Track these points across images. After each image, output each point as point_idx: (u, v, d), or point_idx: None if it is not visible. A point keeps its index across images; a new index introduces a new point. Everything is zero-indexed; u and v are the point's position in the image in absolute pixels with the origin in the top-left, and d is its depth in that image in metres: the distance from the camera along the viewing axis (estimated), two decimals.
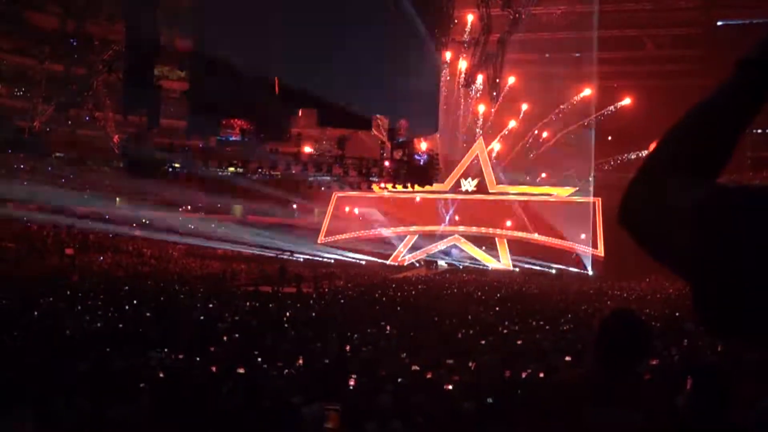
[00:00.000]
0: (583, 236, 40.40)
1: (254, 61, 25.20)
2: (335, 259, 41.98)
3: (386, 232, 45.46)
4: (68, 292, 17.08)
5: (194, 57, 27.43)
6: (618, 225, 0.83)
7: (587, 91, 42.60)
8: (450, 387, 6.74)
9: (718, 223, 0.68)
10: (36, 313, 12.68)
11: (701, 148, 0.80)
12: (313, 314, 15.63)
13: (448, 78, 40.51)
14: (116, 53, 30.95)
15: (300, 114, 33.01)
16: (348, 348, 10.16)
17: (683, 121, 0.83)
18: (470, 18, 35.80)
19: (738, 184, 0.74)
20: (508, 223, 43.12)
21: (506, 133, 44.58)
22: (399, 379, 7.20)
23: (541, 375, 7.11)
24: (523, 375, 7.41)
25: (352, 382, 6.84)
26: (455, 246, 44.42)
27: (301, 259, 40.20)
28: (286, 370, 7.91)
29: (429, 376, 7.60)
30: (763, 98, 0.79)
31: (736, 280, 0.66)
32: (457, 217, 44.67)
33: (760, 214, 0.66)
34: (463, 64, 36.70)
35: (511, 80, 41.14)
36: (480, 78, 36.36)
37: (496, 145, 45.18)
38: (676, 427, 2.14)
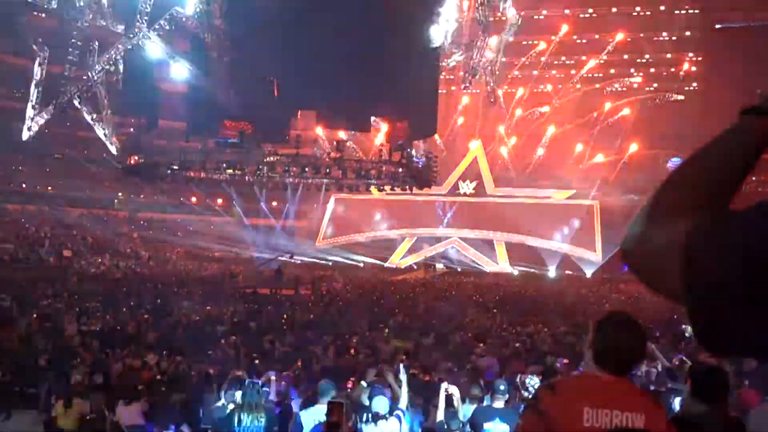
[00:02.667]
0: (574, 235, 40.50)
1: (253, 62, 25.24)
2: (333, 262, 41.91)
3: (384, 234, 45.39)
4: (66, 294, 17.03)
5: (194, 59, 27.45)
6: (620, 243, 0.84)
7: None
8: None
9: (704, 255, 0.69)
10: (35, 315, 12.65)
11: (703, 192, 0.81)
12: (311, 316, 15.60)
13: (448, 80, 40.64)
14: (116, 55, 30.91)
15: (299, 115, 33.01)
16: (348, 350, 10.15)
17: (685, 165, 0.84)
18: (469, 21, 35.89)
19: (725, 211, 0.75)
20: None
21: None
22: None
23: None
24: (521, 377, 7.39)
25: (350, 385, 6.83)
26: (453, 248, 44.37)
27: (299, 261, 40.11)
28: (284, 373, 7.89)
29: (427, 378, 7.60)
30: (762, 146, 0.80)
31: (725, 308, 0.67)
32: (455, 220, 44.64)
33: (745, 241, 0.67)
34: (461, 67, 36.79)
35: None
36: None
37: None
38: (675, 428, 2.14)
